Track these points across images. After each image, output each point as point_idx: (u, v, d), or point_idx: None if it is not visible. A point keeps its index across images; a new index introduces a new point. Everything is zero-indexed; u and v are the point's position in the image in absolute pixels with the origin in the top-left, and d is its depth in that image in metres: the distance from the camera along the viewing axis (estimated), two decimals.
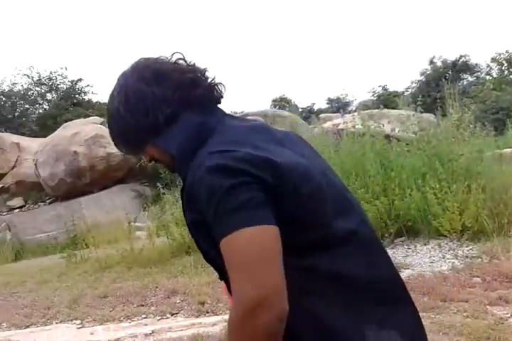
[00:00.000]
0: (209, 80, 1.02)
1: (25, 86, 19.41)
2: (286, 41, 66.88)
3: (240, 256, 0.76)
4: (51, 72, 19.41)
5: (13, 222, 12.91)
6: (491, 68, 23.29)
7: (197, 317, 3.73)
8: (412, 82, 25.65)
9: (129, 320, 3.88)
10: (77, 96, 19.66)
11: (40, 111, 19.79)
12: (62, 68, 19.57)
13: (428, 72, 23.97)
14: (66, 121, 16.07)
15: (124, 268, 5.56)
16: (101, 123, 14.50)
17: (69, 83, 19.75)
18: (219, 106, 1.06)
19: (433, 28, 55.46)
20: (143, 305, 4.19)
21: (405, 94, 25.53)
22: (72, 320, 4.02)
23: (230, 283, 0.76)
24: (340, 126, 13.22)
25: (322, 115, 19.88)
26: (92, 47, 48.81)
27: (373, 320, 0.85)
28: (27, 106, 19.46)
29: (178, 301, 4.16)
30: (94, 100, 19.80)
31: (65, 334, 3.74)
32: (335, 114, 19.62)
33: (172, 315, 3.88)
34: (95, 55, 49.06)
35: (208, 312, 3.77)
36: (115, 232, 9.03)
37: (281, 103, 32.96)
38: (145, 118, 0.96)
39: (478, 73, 23.86)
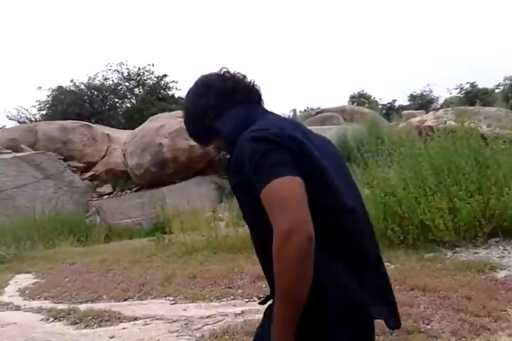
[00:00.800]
0: (248, 84, 1.35)
1: (116, 81, 20.74)
2: (366, 35, 65.17)
3: (275, 199, 0.99)
4: (139, 68, 20.55)
5: (102, 207, 13.89)
6: None
7: None
8: (505, 79, 24.01)
9: (218, 300, 4.06)
10: (162, 91, 20.63)
11: (128, 105, 21.01)
12: (149, 65, 20.69)
13: None
14: (152, 115, 16.93)
15: (209, 252, 5.80)
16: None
17: (155, 79, 20.78)
18: (262, 103, 1.38)
19: None
20: (230, 288, 4.36)
21: (496, 91, 23.99)
22: (165, 297, 4.28)
23: (272, 225, 0.98)
24: (428, 123, 12.76)
25: (405, 112, 19.22)
26: (178, 45, 50.82)
27: (347, 267, 1.10)
28: (116, 100, 20.78)
29: (264, 286, 4.27)
30: (177, 95, 20.69)
31: (160, 308, 3.99)
32: (419, 111, 18.91)
33: (259, 298, 4.00)
34: (180, 52, 50.97)
35: None
36: (196, 220, 9.44)
37: (360, 99, 32.14)
38: (199, 123, 1.35)
39: None
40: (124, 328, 3.60)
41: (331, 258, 1.08)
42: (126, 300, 4.30)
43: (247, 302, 3.97)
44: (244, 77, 1.37)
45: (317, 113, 24.07)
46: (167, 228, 13.02)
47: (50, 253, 7.35)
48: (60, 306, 4.27)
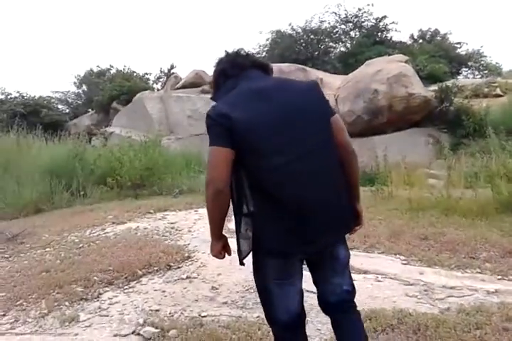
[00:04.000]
0: (253, 60, 1.85)
1: (332, 23, 20.14)
2: None
3: (208, 161, 1.60)
4: (359, 9, 19.47)
5: None
6: None
7: None
8: None
9: (460, 270, 3.47)
10: (379, 34, 19.31)
11: (343, 49, 20.38)
12: (368, 5, 19.40)
13: None
14: (366, 60, 16.03)
15: (439, 213, 5.12)
16: (405, 62, 13.88)
17: (373, 21, 19.48)
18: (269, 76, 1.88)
19: None
20: (473, 258, 3.70)
21: None
22: (395, 254, 3.87)
23: None
24: None
25: None
26: None
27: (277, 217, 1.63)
28: (331, 44, 20.31)
29: None
30: (396, 38, 19.11)
31: (392, 266, 3.61)
32: None
33: None
34: None
35: None
36: (409, 176, 8.68)
37: None
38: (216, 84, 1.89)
39: None
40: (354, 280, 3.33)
41: (265, 209, 1.62)
42: (351, 249, 4.02)
43: (499, 279, 3.28)
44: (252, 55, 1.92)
45: None
46: (380, 179, 12.50)
47: None
48: None
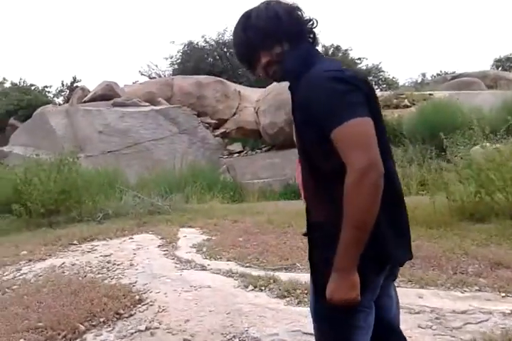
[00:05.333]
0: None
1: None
2: None
3: (358, 136, 1.15)
4: None
5: (233, 166, 13.60)
6: None
7: None
8: None
9: (459, 289, 3.14)
10: None
11: None
12: None
13: None
14: None
15: None
16: None
17: None
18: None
19: None
20: (463, 273, 3.41)
21: None
22: None
23: (346, 159, 1.16)
24: None
25: None
26: None
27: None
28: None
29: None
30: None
31: None
32: None
33: None
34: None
35: None
36: None
37: (508, 63, 28.48)
38: (257, 48, 1.44)
39: None
40: None
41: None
42: None
43: (504, 297, 2.99)
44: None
45: (453, 77, 21.68)
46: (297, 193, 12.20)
47: (204, 207, 6.96)
48: (252, 271, 3.65)
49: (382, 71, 27.92)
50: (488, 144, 8.50)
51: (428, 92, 16.02)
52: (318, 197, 1.34)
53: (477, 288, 3.14)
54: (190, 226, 5.66)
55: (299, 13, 1.40)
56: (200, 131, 13.91)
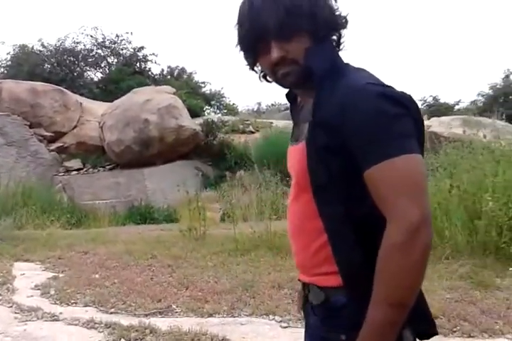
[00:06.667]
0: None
1: (88, 46, 18.65)
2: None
3: (409, 179, 0.84)
4: (117, 35, 18.64)
5: (70, 184, 12.24)
6: None
7: None
8: (479, 95, 24.55)
9: None
10: (138, 64, 18.93)
11: (100, 74, 19.07)
12: (127, 33, 18.81)
13: (498, 87, 22.78)
14: (128, 88, 15.34)
15: (268, 252, 4.74)
16: (174, 94, 13.73)
17: (132, 49, 19.01)
18: None
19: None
20: None
21: (456, 107, 24.79)
22: (267, 315, 3.19)
23: (389, 208, 0.84)
24: (434, 129, 12.38)
25: None
26: (159, 15, 47.53)
27: None
28: (88, 67, 18.72)
29: None
30: (157, 71, 19.04)
31: (282, 335, 2.91)
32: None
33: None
34: (160, 24, 47.69)
35: None
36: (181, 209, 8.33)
37: None
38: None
39: None
40: None
41: None
42: (211, 315, 3.17)
43: None
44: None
45: (286, 108, 23.77)
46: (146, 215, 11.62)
47: (42, 235, 5.90)
48: (121, 319, 3.06)
49: (224, 97, 28.80)
50: None
51: (269, 120, 16.99)
52: (327, 252, 0.98)
53: None
54: (27, 260, 4.69)
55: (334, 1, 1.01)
56: (32, 143, 12.22)
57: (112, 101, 14.00)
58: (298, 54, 0.97)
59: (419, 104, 26.89)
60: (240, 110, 27.59)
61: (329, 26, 1.00)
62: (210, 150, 13.55)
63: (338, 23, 1.01)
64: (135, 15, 47.29)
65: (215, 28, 50.02)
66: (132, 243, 5.39)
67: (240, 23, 1.02)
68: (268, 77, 1.10)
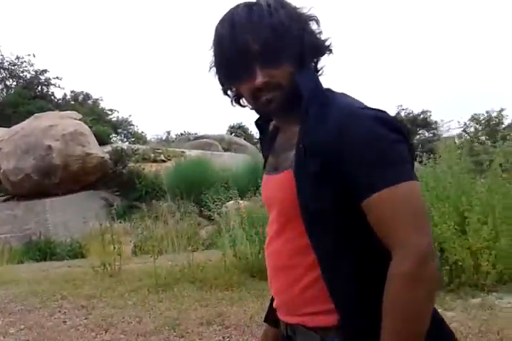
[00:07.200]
0: None
1: None
2: None
3: (411, 206, 0.82)
4: (17, 57, 17.48)
5: None
6: (467, 126, 24.28)
7: None
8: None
9: None
10: (40, 87, 17.84)
11: None
12: (29, 55, 17.72)
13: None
14: (29, 113, 14.33)
15: (191, 286, 4.54)
16: (79, 120, 13.03)
17: (33, 72, 17.91)
18: None
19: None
20: None
21: None
22: None
23: (395, 236, 0.81)
24: None
25: None
26: (61, 38, 45.26)
27: None
28: None
29: None
30: (60, 95, 18.03)
31: None
32: None
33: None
34: (65, 46, 45.39)
35: None
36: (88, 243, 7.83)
37: (238, 131, 32.76)
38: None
39: (435, 130, 25.25)
40: None
41: None
42: None
43: None
44: None
45: (196, 138, 23.89)
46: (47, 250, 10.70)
47: None
48: None
49: (132, 124, 28.14)
50: (241, 201, 9.27)
51: (180, 150, 16.86)
52: (318, 289, 0.91)
53: None
54: None
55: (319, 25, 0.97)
56: None
57: (9, 126, 12.92)
58: (283, 79, 0.92)
59: None
60: (148, 138, 27.08)
61: (314, 51, 0.96)
62: (118, 179, 12.96)
63: (322, 48, 0.97)
64: (38, 36, 45.09)
65: (123, 53, 49.05)
66: (37, 282, 4.87)
67: (219, 45, 0.94)
68: (242, 102, 1.03)
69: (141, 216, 10.31)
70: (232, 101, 1.04)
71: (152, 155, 15.32)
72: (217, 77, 1.00)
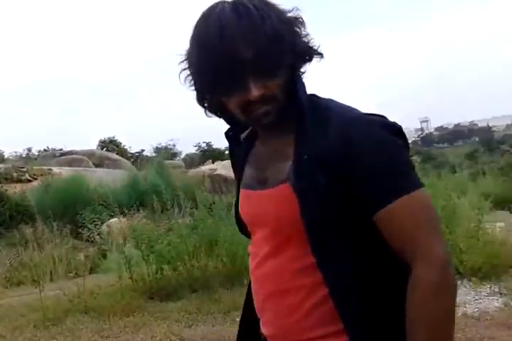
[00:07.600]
0: None
1: None
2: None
3: (428, 213, 0.80)
4: None
5: None
6: None
7: None
8: None
9: None
10: None
11: None
12: None
13: None
14: None
15: (84, 317, 4.08)
16: None
17: None
18: None
19: None
20: None
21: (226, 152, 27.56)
22: None
23: (417, 245, 0.77)
24: (220, 172, 13.44)
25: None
26: None
27: None
28: None
29: None
30: None
31: None
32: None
33: None
34: None
35: None
36: None
37: (110, 145, 31.27)
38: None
39: None
40: None
41: None
42: None
43: None
44: None
45: (62, 154, 22.42)
46: None
47: None
48: None
49: None
50: (123, 219, 8.82)
51: (47, 167, 15.61)
52: (325, 310, 0.84)
53: None
54: None
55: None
56: None
57: None
58: (276, 89, 0.84)
59: (194, 149, 28.57)
60: (6, 156, 24.41)
61: (306, 56, 0.89)
62: None
63: (313, 53, 0.89)
64: None
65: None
66: None
67: (204, 49, 0.81)
68: (220, 112, 0.93)
69: (7, 243, 9.34)
70: (205, 111, 0.93)
71: (15, 174, 13.91)
72: (193, 82, 0.89)
